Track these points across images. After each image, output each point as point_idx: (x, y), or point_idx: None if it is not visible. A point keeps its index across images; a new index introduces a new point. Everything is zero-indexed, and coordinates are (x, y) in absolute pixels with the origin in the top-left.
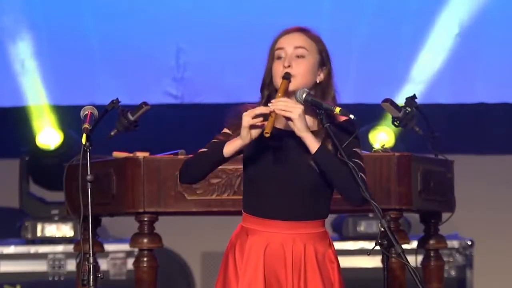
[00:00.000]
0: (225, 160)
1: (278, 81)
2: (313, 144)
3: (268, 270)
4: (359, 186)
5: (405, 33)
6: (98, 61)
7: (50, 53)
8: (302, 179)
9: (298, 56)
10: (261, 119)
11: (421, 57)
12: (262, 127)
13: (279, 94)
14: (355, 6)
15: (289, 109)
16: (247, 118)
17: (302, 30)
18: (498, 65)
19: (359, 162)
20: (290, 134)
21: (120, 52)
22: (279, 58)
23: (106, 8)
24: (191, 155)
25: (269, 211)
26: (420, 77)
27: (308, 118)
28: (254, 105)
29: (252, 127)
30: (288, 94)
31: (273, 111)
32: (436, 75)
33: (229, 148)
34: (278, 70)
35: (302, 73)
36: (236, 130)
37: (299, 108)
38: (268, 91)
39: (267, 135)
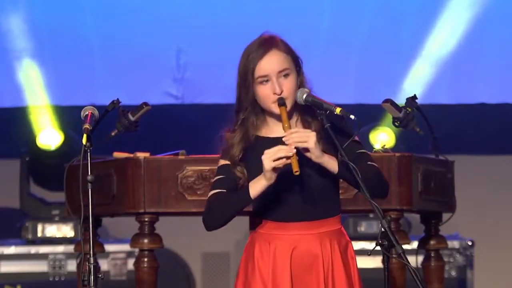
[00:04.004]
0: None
1: (269, 105)
2: (333, 166)
3: (296, 273)
4: (382, 183)
5: (405, 33)
6: (98, 62)
7: (50, 53)
8: (318, 179)
9: (284, 76)
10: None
11: (421, 58)
12: (282, 168)
13: (286, 125)
14: (355, 6)
15: (303, 139)
16: (268, 162)
17: (276, 45)
18: (498, 66)
19: (366, 152)
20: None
21: (120, 52)
22: (263, 82)
23: (107, 9)
24: (208, 204)
25: (292, 215)
26: (420, 77)
27: (304, 118)
28: (231, 134)
29: (274, 169)
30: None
31: (294, 153)
32: (436, 76)
33: (256, 191)
34: (267, 95)
35: (291, 92)
36: (232, 157)
37: (313, 135)
38: (244, 115)
39: (298, 173)
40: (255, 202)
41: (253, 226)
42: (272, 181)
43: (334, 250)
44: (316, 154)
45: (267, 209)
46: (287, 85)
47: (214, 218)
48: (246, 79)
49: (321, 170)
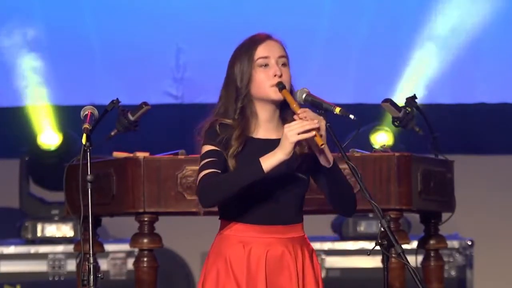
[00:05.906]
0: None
1: (266, 89)
2: (330, 158)
3: (270, 275)
4: (355, 200)
5: (404, 33)
6: (98, 61)
7: (50, 53)
8: (298, 184)
9: (282, 65)
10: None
11: (421, 57)
12: (302, 141)
13: (294, 105)
14: (355, 6)
15: (317, 119)
16: (293, 135)
17: (272, 38)
18: (498, 66)
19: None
20: (275, 142)
21: (120, 52)
22: (262, 66)
23: (106, 8)
24: (204, 180)
25: (268, 218)
26: (420, 77)
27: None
28: (226, 120)
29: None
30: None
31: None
32: (436, 75)
33: (270, 164)
34: (265, 79)
35: (288, 81)
36: (224, 145)
37: (322, 118)
38: (242, 103)
39: (324, 146)
40: (235, 206)
41: (221, 228)
42: (289, 156)
43: (304, 255)
44: (324, 138)
45: (241, 211)
46: (285, 73)
47: (216, 193)
48: (246, 62)
49: (297, 178)
